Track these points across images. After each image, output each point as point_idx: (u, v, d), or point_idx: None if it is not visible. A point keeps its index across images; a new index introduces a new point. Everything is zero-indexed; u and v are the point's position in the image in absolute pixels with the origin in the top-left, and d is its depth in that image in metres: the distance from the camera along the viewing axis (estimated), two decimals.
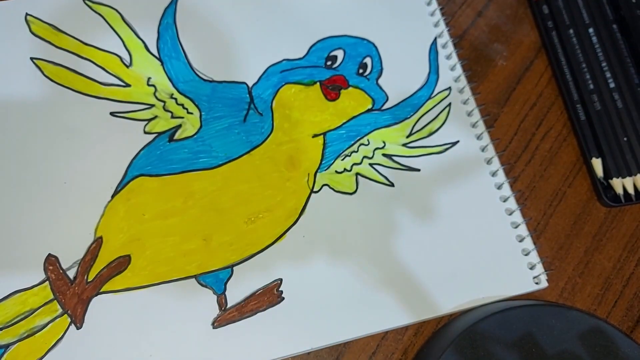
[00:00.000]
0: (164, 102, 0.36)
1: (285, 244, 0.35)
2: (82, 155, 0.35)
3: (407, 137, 0.39)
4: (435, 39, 0.41)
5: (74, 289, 0.32)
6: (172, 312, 0.33)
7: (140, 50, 0.37)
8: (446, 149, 0.39)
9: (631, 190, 0.39)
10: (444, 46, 0.41)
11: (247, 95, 0.38)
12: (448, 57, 0.41)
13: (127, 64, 0.37)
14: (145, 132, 0.36)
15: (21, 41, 0.36)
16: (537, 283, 0.36)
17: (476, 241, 0.36)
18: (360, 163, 0.37)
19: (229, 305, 0.33)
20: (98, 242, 0.33)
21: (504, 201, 0.38)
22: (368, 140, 0.38)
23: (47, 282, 0.32)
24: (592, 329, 0.34)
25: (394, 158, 0.38)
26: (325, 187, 0.36)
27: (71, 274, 0.32)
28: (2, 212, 0.33)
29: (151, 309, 0.33)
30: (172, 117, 0.36)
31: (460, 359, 0.32)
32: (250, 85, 0.38)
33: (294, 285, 0.34)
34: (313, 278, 0.34)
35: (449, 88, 0.40)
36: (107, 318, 0.32)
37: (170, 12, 0.39)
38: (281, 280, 0.34)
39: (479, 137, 0.39)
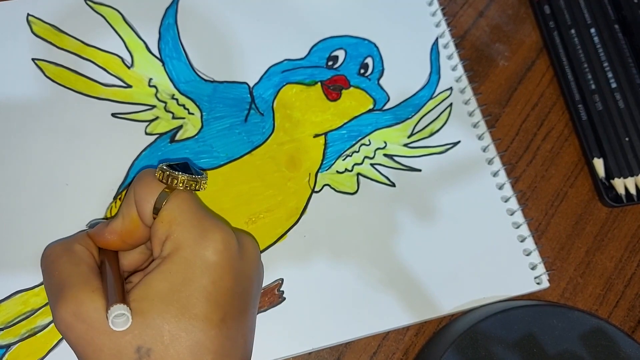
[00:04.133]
0: (165, 102, 0.37)
1: (286, 244, 0.35)
2: (83, 156, 0.35)
3: (409, 137, 0.39)
4: (437, 39, 0.41)
5: None
6: None
7: (141, 51, 0.37)
8: (447, 149, 0.39)
9: (633, 191, 0.39)
10: (445, 46, 0.41)
11: (248, 96, 0.38)
12: (449, 57, 0.41)
13: (129, 64, 0.37)
14: (146, 133, 0.36)
15: (22, 42, 0.36)
16: (538, 283, 0.36)
17: (477, 241, 0.36)
18: (361, 163, 0.37)
19: None
20: None
21: (506, 201, 0.38)
22: (369, 140, 0.38)
23: None
24: (593, 329, 0.34)
25: (395, 158, 0.38)
26: (327, 187, 0.36)
27: None
28: (3, 212, 0.33)
29: None
30: (174, 117, 0.36)
31: (461, 359, 0.32)
32: (251, 85, 0.38)
33: (295, 286, 0.34)
34: (314, 278, 0.34)
35: (450, 88, 0.40)
36: None
37: (171, 13, 0.39)
38: (282, 280, 0.34)
39: (480, 138, 0.39)
